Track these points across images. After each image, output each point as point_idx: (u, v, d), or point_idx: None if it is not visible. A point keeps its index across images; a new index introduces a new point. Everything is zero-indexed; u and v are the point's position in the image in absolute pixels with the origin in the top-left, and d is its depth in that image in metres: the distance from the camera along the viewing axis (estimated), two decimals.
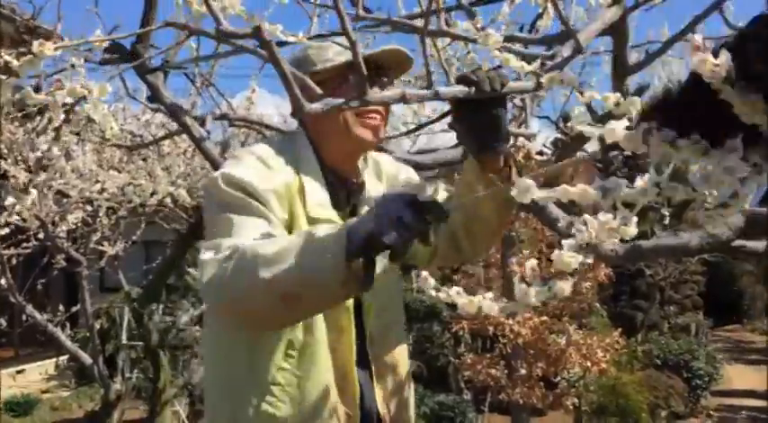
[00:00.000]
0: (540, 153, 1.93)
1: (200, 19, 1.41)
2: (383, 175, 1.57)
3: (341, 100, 0.92)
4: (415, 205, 1.01)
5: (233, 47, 0.91)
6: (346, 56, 1.38)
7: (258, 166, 1.33)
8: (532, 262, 0.85)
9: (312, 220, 1.34)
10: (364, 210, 1.42)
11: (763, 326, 19.90)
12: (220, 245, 1.19)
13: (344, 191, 1.46)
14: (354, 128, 1.39)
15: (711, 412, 9.49)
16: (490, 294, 0.84)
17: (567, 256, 0.77)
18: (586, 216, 0.77)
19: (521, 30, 2.74)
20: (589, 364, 5.98)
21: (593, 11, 2.88)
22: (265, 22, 1.06)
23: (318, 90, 1.15)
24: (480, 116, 1.20)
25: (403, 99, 0.95)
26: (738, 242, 1.66)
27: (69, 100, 1.08)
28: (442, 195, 1.55)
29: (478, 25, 1.12)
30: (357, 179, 1.50)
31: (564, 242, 0.79)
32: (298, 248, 1.09)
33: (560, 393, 6.25)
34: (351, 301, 1.38)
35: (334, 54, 1.39)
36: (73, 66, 2.01)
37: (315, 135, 1.43)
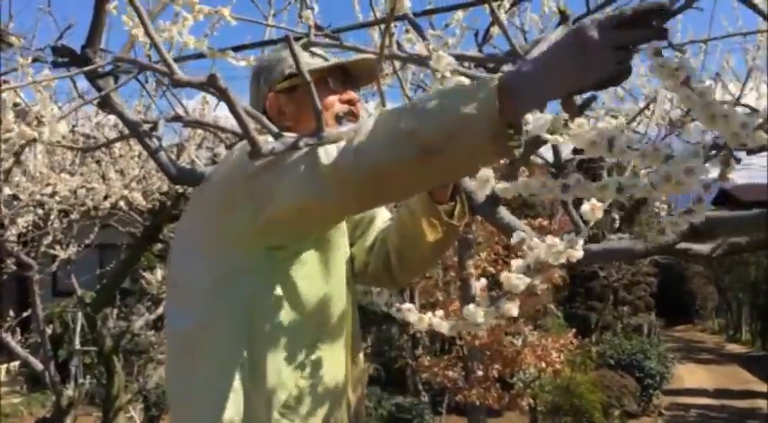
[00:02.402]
0: None
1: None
2: None
3: (295, 138, 0.93)
4: (627, 21, 0.85)
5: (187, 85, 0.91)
6: (320, 61, 1.39)
7: None
8: (482, 282, 0.88)
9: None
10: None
11: (713, 326, 20.42)
12: (316, 154, 1.07)
13: None
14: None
15: (663, 411, 9.71)
16: (440, 312, 0.86)
17: (515, 278, 0.80)
18: (534, 240, 0.79)
19: (475, 36, 2.77)
20: (544, 364, 6.08)
21: (546, 18, 2.94)
22: (215, 49, 1.07)
23: (275, 129, 1.13)
24: None
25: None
26: (684, 245, 1.71)
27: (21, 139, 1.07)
28: (385, 219, 1.55)
29: (430, 47, 1.14)
30: None
31: (513, 263, 0.81)
32: (445, 93, 1.01)
33: (516, 394, 6.33)
34: (350, 313, 1.39)
35: (309, 57, 1.38)
36: (34, 61, 1.99)
37: None
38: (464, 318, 0.91)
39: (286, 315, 1.26)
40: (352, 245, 1.52)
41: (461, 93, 0.97)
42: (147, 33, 0.73)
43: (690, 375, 12.32)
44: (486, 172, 1.03)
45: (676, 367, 11.48)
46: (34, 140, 1.07)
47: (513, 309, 0.90)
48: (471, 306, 0.92)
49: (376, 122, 1.04)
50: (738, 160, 0.79)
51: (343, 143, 1.05)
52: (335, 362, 1.34)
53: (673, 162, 0.76)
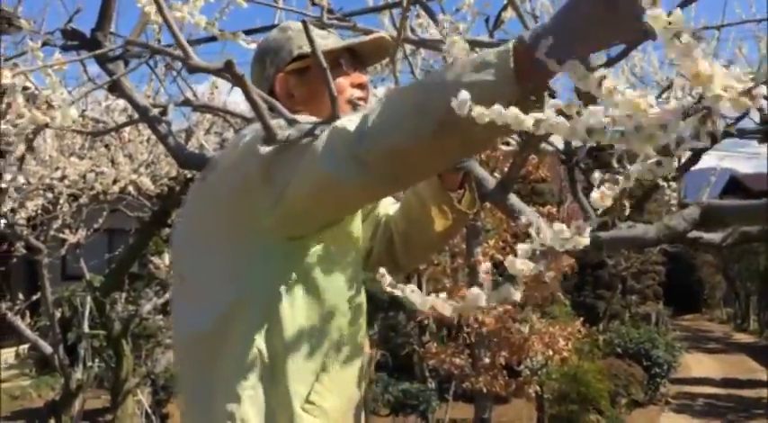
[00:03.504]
0: (507, 144, 1.95)
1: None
2: None
3: (311, 124, 0.92)
4: None
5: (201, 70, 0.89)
6: (332, 40, 1.35)
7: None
8: (487, 265, 0.87)
9: None
10: None
11: (721, 315, 20.38)
12: (322, 141, 1.05)
13: None
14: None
15: (670, 399, 9.71)
16: (443, 294, 0.85)
17: (520, 264, 0.78)
18: (541, 223, 0.78)
19: (486, 22, 2.75)
20: (551, 352, 6.08)
21: (557, 3, 2.91)
22: (226, 32, 1.05)
23: (289, 114, 1.10)
24: None
25: None
26: (695, 233, 1.69)
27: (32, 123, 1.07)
28: (387, 205, 1.54)
29: (444, 31, 1.13)
30: None
31: (518, 247, 0.80)
32: (458, 64, 0.96)
33: (523, 381, 6.34)
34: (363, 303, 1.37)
35: (320, 38, 1.30)
36: (44, 44, 1.98)
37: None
38: (467, 300, 0.90)
39: (306, 308, 1.23)
40: None
41: (475, 61, 0.93)
42: (161, 12, 0.72)
43: (697, 364, 12.32)
44: (465, 94, 0.98)
45: (684, 356, 11.47)
46: (46, 125, 1.06)
47: (516, 294, 0.89)
48: (474, 288, 0.91)
49: (387, 100, 1.02)
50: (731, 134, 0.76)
51: (357, 123, 1.02)
52: (355, 352, 1.31)
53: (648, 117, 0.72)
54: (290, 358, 1.20)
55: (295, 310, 1.21)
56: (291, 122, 1.00)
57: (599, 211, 0.98)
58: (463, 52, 1.20)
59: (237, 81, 0.81)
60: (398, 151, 1.00)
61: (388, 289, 0.87)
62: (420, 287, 7.72)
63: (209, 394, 1.23)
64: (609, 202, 0.99)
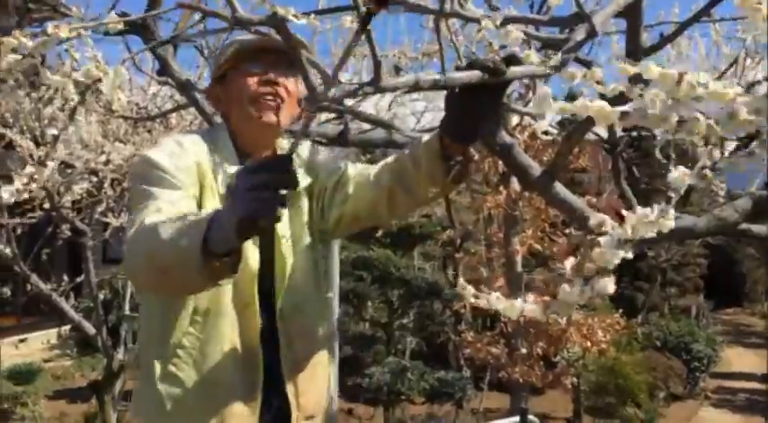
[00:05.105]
0: (546, 133, 1.88)
1: None
2: (301, 154, 1.60)
3: (355, 86, 0.91)
4: (256, 169, 1.02)
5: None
6: (235, 46, 1.51)
7: (173, 148, 1.43)
8: (571, 260, 0.84)
9: (223, 197, 1.40)
10: None
11: (764, 309, 19.96)
12: (134, 220, 1.30)
13: None
14: (253, 113, 1.47)
15: (710, 394, 9.57)
16: (531, 297, 0.83)
17: (608, 254, 0.76)
18: (624, 211, 0.76)
19: (530, 7, 2.71)
20: (589, 344, 6.01)
21: None
22: (277, 7, 1.05)
23: (330, 75, 1.14)
24: (475, 101, 1.18)
25: (416, 86, 0.94)
26: (743, 225, 1.65)
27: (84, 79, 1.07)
28: (358, 170, 1.58)
29: (498, 19, 1.10)
30: None
31: (601, 239, 0.78)
32: (176, 227, 1.15)
33: (559, 373, 6.29)
34: (254, 274, 1.44)
35: (229, 47, 1.53)
36: (79, 35, 2.00)
37: (232, 125, 1.52)
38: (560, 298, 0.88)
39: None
40: (330, 205, 1.56)
41: (185, 226, 1.13)
42: None
43: (738, 359, 12.09)
44: (545, 89, 0.98)
45: (724, 350, 11.28)
46: (99, 80, 1.08)
47: (609, 286, 0.86)
48: (566, 286, 0.88)
49: (136, 235, 1.25)
50: None
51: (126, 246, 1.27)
52: (246, 324, 1.44)
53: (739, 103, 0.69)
54: (171, 317, 1.42)
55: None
56: (334, 82, 0.99)
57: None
58: (518, 41, 1.17)
59: (282, 32, 0.81)
60: (136, 277, 1.32)
61: (472, 300, 0.86)
62: (456, 276, 7.70)
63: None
64: (690, 181, 0.95)
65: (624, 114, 0.64)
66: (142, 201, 1.33)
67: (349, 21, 2.05)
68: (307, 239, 1.55)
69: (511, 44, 1.15)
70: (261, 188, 0.99)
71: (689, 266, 14.11)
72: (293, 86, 1.50)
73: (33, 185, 2.71)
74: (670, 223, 0.74)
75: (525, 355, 6.04)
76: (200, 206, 1.40)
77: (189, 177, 1.39)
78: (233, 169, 1.43)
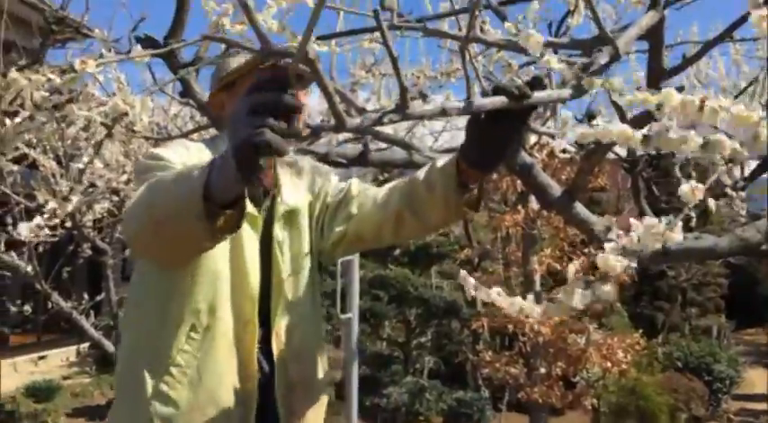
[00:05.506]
0: (564, 151, 1.89)
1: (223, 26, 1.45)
2: (303, 172, 1.60)
3: (379, 114, 0.91)
4: (253, 90, 0.91)
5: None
6: (248, 56, 1.46)
7: (179, 149, 1.43)
8: (575, 265, 0.85)
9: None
10: (282, 209, 1.49)
11: None
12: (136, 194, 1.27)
13: (261, 189, 1.49)
14: None
15: (732, 416, 9.41)
16: (531, 296, 0.84)
17: (613, 259, 0.76)
18: (632, 220, 0.76)
19: (549, 27, 2.72)
20: (609, 364, 5.96)
21: (621, 8, 2.86)
22: (297, 34, 1.06)
23: (359, 105, 1.14)
24: (499, 129, 1.14)
25: (443, 113, 0.94)
26: (765, 246, 1.64)
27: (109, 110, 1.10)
28: (363, 188, 1.58)
29: (518, 26, 1.11)
30: (273, 181, 1.52)
31: (606, 246, 0.78)
32: (176, 174, 1.13)
33: (579, 393, 6.23)
34: (255, 293, 1.42)
35: (240, 60, 1.49)
36: (101, 55, 2.04)
37: None
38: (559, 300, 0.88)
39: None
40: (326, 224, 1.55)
41: (185, 172, 1.10)
42: (245, 9, 0.73)
43: (761, 380, 11.87)
44: (567, 113, 0.99)
45: (747, 371, 11.10)
46: (125, 114, 1.10)
47: (611, 292, 0.86)
48: (566, 288, 0.88)
49: (135, 197, 1.22)
50: None
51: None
52: (244, 342, 1.41)
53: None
54: (165, 332, 1.38)
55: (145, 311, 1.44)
56: (361, 111, 1.00)
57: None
58: (539, 46, 1.17)
59: (310, 66, 0.81)
60: (137, 237, 1.25)
61: (472, 292, 0.86)
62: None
63: (119, 354, 1.55)
64: (701, 196, 0.94)
65: (646, 138, 0.64)
66: (144, 181, 1.29)
67: (367, 41, 2.07)
68: (306, 258, 1.53)
69: (533, 49, 1.14)
70: (260, 109, 0.89)
71: (710, 286, 13.95)
72: (304, 98, 1.48)
73: (55, 221, 2.73)
74: (677, 237, 0.74)
75: (544, 375, 5.99)
76: None
77: None
78: None
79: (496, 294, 0.84)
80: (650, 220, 0.76)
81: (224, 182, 1.02)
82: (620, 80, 0.83)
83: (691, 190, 0.81)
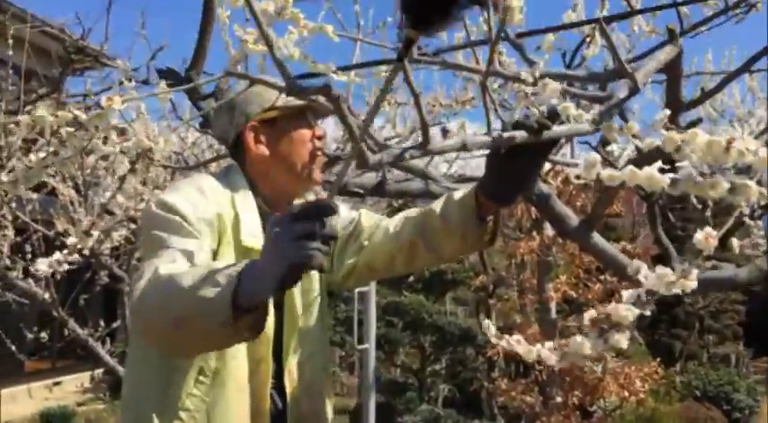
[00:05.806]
0: (578, 177, 1.88)
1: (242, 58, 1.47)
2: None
3: (400, 150, 0.93)
4: (299, 218, 0.96)
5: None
6: (292, 99, 1.42)
7: (194, 195, 1.37)
8: (591, 313, 0.85)
9: (246, 249, 1.36)
10: None
11: None
12: (147, 269, 1.23)
13: None
14: (308, 172, 1.45)
15: None
16: (550, 343, 0.84)
17: (624, 310, 0.76)
18: (644, 270, 0.76)
19: (563, 57, 2.72)
20: (627, 393, 5.89)
21: (635, 37, 2.87)
22: (319, 64, 1.08)
23: (381, 141, 1.15)
24: (519, 163, 1.16)
25: (464, 147, 0.95)
26: None
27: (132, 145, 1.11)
28: (373, 219, 1.58)
29: (537, 73, 1.11)
30: None
31: (624, 293, 0.78)
32: (199, 275, 1.09)
33: None
34: (270, 332, 1.40)
35: (283, 96, 1.43)
36: (121, 83, 2.07)
37: (255, 174, 1.46)
38: (571, 348, 0.88)
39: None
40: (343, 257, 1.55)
41: (210, 275, 1.07)
42: (265, 39, 0.74)
43: None
44: (594, 156, 0.99)
45: (766, 400, 10.93)
46: (150, 150, 1.11)
47: (622, 341, 0.87)
48: (578, 337, 0.89)
49: (150, 285, 1.18)
50: None
51: (138, 293, 1.19)
52: (257, 381, 1.39)
53: None
54: (173, 377, 1.35)
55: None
56: (382, 148, 1.01)
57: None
58: (555, 94, 1.18)
59: (334, 103, 0.82)
60: (146, 330, 1.22)
61: (494, 340, 0.87)
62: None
63: (122, 402, 1.51)
64: (715, 244, 0.95)
65: (674, 182, 0.64)
66: (156, 248, 1.27)
67: (384, 71, 2.09)
68: (316, 291, 1.53)
69: (548, 97, 1.15)
70: (307, 237, 0.94)
71: (727, 313, 13.79)
72: (325, 139, 1.51)
73: (75, 256, 2.73)
74: (692, 284, 0.74)
75: (561, 403, 5.93)
76: (214, 260, 1.33)
77: (209, 228, 1.34)
78: (255, 222, 1.41)
79: (516, 342, 0.84)
80: (662, 269, 0.76)
81: (258, 292, 1.03)
82: (637, 125, 0.83)
83: (704, 237, 0.81)
